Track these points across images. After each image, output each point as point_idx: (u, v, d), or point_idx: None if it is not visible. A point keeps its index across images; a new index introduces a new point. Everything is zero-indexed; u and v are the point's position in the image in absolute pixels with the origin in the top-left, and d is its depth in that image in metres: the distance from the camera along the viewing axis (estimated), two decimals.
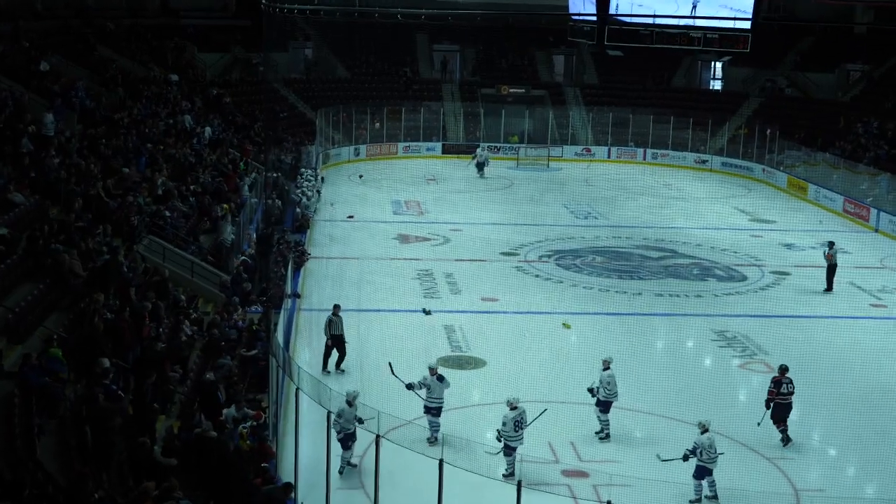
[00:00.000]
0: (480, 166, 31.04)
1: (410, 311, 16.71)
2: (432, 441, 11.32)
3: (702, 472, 10.60)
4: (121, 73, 24.45)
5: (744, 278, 20.09)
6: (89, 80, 22.43)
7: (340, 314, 14.00)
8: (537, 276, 19.80)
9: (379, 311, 16.64)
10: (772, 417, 12.24)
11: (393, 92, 36.47)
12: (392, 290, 18.09)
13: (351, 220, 24.04)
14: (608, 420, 12.16)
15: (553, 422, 11.96)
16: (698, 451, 10.63)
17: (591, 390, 12.26)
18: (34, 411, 9.24)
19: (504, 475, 10.63)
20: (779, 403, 12.20)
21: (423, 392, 11.75)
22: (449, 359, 14.62)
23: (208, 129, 24.52)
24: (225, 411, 10.93)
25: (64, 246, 12.94)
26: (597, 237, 23.40)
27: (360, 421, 10.50)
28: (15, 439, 8.70)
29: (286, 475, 10.03)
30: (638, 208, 27.15)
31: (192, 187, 19.34)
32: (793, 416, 12.96)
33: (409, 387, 11.80)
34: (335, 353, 13.97)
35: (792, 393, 12.24)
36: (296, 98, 35.04)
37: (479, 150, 32.00)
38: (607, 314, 17.32)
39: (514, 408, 10.98)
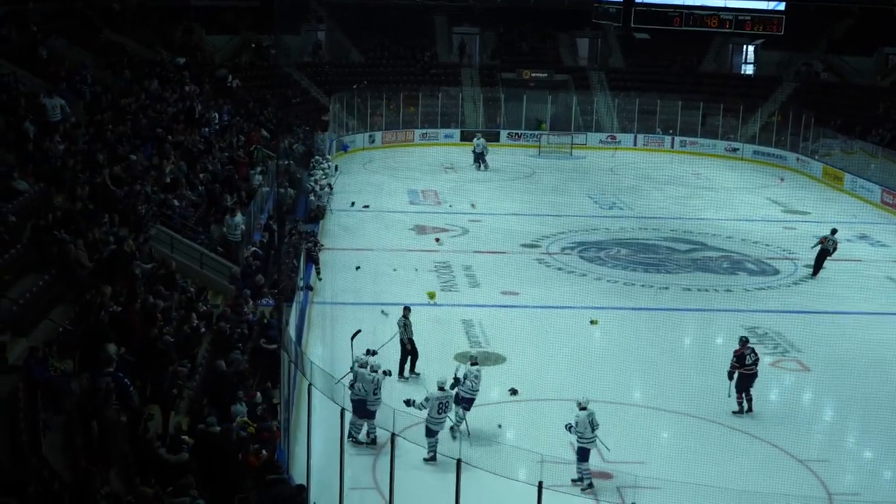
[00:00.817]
0: (478, 157, 29.87)
1: (427, 304, 16.42)
2: (369, 443, 11.23)
3: (584, 454, 10.54)
4: (127, 57, 24.03)
5: (776, 272, 19.70)
6: (94, 63, 22.01)
7: (410, 317, 13.76)
8: (560, 268, 19.46)
9: (395, 304, 16.20)
10: (736, 388, 12.53)
11: (409, 76, 35.95)
12: (409, 283, 17.79)
13: (366, 209, 23.68)
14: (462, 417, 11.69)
15: None
16: (571, 428, 10.55)
17: (456, 379, 11.78)
18: (39, 406, 9.00)
19: (425, 459, 10.34)
20: (744, 374, 12.53)
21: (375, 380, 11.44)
22: (467, 354, 14.25)
23: (216, 115, 24.06)
24: (233, 408, 10.69)
25: (70, 235, 12.57)
26: (622, 228, 23.01)
27: (388, 373, 11.46)
28: (20, 435, 8.46)
29: (298, 475, 9.81)
30: (665, 198, 26.70)
31: (201, 175, 18.96)
32: (826, 418, 13.12)
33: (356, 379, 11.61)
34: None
35: (756, 362, 12.58)
36: (308, 83, 34.61)
37: (475, 140, 30.89)
38: (633, 309, 16.97)
39: (441, 389, 11.02)
